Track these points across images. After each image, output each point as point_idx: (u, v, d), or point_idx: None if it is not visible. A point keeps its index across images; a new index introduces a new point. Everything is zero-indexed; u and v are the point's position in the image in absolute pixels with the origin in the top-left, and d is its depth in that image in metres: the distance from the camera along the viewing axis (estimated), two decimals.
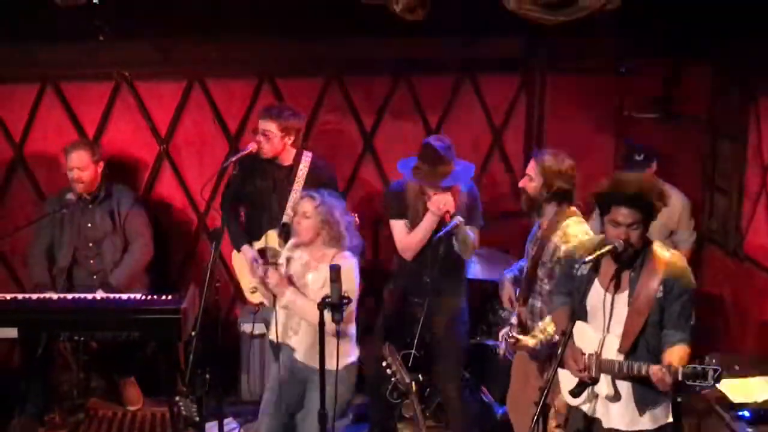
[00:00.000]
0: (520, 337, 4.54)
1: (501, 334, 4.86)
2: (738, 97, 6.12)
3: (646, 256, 4.03)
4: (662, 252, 4.06)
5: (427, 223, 5.16)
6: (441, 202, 5.07)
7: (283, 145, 5.52)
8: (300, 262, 4.85)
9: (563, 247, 4.56)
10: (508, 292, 5.00)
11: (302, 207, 4.80)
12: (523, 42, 6.41)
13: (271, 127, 5.47)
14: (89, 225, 5.83)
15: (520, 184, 4.79)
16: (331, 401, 4.50)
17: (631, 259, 4.03)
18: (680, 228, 6.05)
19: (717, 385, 3.82)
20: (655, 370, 3.86)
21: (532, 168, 4.74)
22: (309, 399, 4.78)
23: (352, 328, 4.81)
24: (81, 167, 5.71)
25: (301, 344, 4.79)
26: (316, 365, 4.43)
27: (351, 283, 4.62)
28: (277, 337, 4.81)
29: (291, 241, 4.94)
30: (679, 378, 3.79)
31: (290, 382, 4.85)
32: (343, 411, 4.86)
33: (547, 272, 4.69)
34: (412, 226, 5.25)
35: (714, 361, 3.78)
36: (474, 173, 5.45)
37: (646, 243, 4.06)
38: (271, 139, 5.47)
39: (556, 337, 4.40)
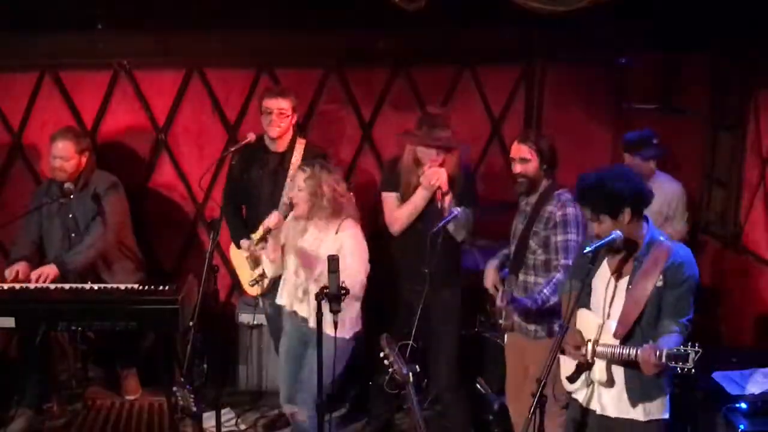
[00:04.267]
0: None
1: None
2: (737, 90, 6.11)
3: (652, 246, 4.04)
4: (668, 243, 4.07)
5: (418, 198, 5.16)
6: (433, 176, 5.07)
7: (289, 125, 5.54)
8: (312, 236, 4.99)
9: (559, 213, 4.69)
10: (491, 278, 4.99)
11: (296, 180, 4.97)
12: (522, 33, 6.40)
13: (285, 105, 5.53)
14: (70, 216, 5.75)
15: (518, 170, 4.84)
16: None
17: (630, 248, 4.04)
18: (675, 217, 6.03)
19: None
20: (641, 351, 3.88)
21: (524, 151, 4.82)
22: (308, 355, 4.99)
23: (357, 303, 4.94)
24: (64, 157, 5.64)
25: (310, 311, 4.91)
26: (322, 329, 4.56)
27: (354, 255, 4.80)
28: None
29: (291, 214, 5.08)
30: (663, 359, 3.79)
31: (298, 343, 5.10)
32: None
33: (540, 240, 4.76)
34: (404, 200, 5.25)
35: (697, 345, 3.78)
36: (469, 153, 5.56)
37: (653, 235, 4.08)
38: (288, 117, 5.53)
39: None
